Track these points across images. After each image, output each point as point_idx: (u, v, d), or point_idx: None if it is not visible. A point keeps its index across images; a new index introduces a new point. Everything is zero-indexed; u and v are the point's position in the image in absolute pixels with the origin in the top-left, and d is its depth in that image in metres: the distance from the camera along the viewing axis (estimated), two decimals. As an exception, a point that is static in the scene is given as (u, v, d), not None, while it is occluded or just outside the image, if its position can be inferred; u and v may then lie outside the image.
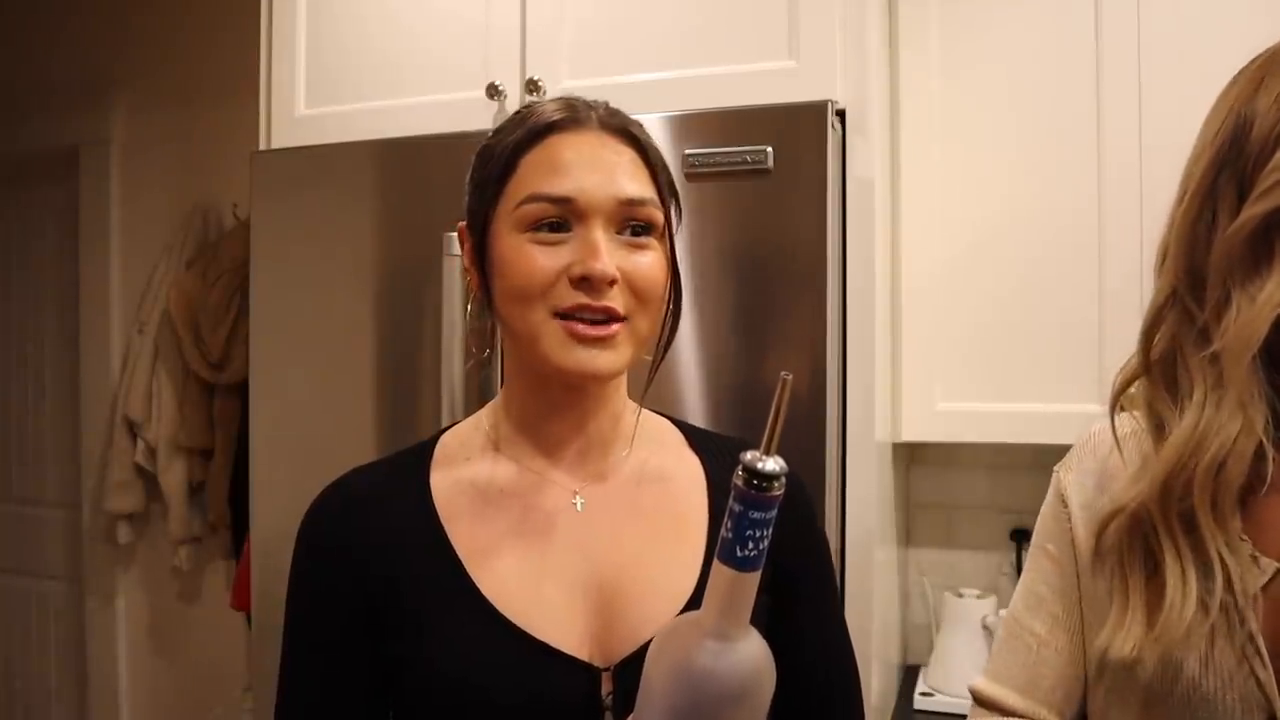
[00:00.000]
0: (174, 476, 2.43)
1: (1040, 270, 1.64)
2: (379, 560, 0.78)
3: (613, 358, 0.75)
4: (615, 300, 0.74)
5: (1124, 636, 0.74)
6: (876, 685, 1.50)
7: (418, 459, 0.83)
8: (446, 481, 0.81)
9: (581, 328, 0.73)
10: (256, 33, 1.78)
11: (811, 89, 1.41)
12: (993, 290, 1.68)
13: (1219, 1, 1.53)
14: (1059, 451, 0.90)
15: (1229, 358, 0.71)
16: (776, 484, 0.56)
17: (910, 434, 1.73)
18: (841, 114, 1.42)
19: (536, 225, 0.74)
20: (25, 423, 2.91)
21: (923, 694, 1.78)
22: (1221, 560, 0.71)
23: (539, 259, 0.74)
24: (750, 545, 0.57)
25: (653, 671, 0.62)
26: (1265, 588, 0.71)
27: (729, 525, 0.58)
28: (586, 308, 0.73)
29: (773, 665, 0.62)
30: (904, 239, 1.72)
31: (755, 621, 0.63)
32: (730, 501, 0.57)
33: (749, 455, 0.56)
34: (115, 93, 2.64)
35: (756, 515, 0.57)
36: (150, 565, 2.65)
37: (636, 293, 0.75)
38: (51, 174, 2.78)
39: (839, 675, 0.90)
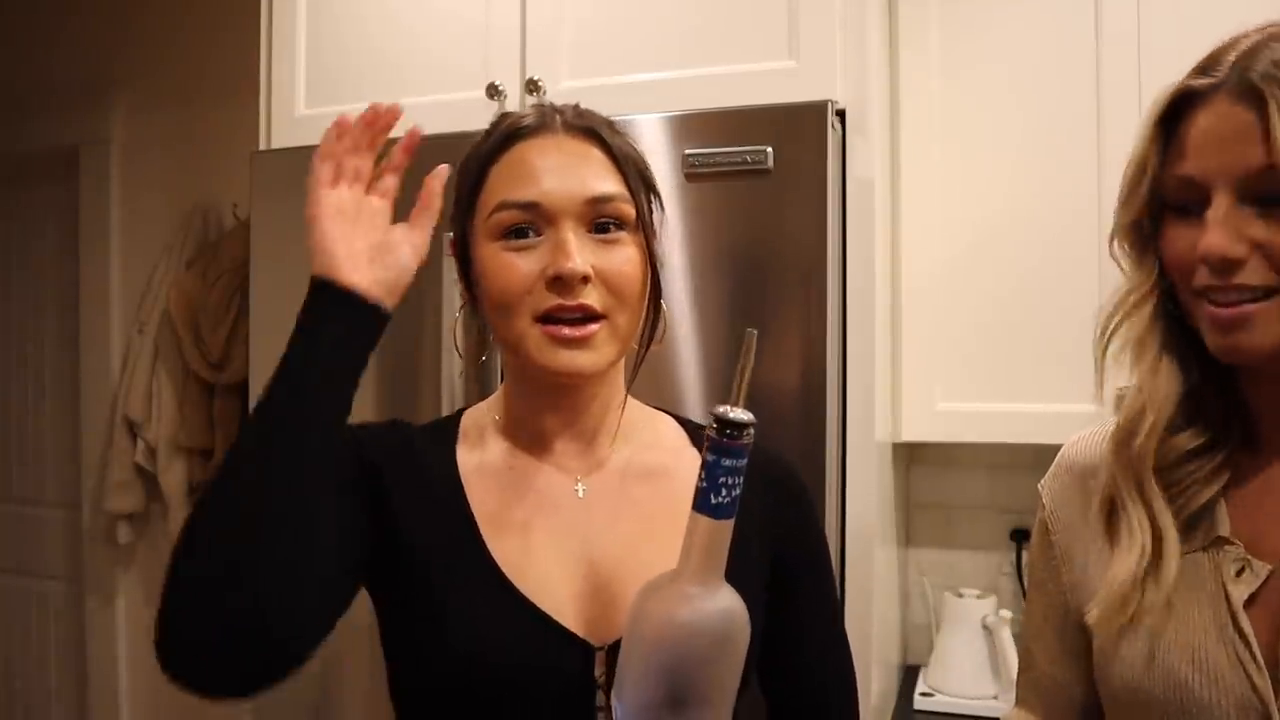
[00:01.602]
0: (174, 476, 2.43)
1: (1040, 270, 1.64)
2: (395, 484, 0.80)
3: (594, 357, 0.77)
4: (590, 297, 0.75)
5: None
6: (876, 685, 1.51)
7: (447, 427, 0.87)
8: (467, 455, 0.84)
9: (562, 330, 0.75)
10: (256, 33, 1.78)
11: (811, 89, 1.41)
12: (993, 290, 1.68)
13: (1219, 1, 1.53)
14: (1059, 452, 0.90)
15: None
16: (746, 433, 0.60)
17: (910, 434, 1.73)
18: (841, 114, 1.42)
19: (507, 232, 0.77)
20: (25, 423, 2.91)
21: (923, 694, 1.78)
22: (1141, 532, 0.75)
23: (514, 265, 0.76)
24: (724, 493, 0.60)
25: (635, 628, 0.64)
26: (1259, 592, 0.72)
27: (702, 475, 0.61)
28: (563, 308, 0.75)
29: (748, 618, 0.64)
30: (904, 239, 1.72)
31: (754, 617, 0.63)
32: (703, 452, 0.61)
33: (721, 407, 0.60)
34: (115, 93, 2.64)
35: (728, 463, 0.60)
36: (150, 565, 2.65)
37: (612, 289, 0.77)
38: (51, 174, 2.78)
39: (836, 674, 0.91)
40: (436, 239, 1.57)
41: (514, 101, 1.58)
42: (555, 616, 0.76)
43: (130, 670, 2.69)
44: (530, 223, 0.76)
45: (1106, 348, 0.78)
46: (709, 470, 0.60)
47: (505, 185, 0.78)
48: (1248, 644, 0.70)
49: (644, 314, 0.81)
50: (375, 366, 1.57)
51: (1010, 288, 1.66)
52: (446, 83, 1.63)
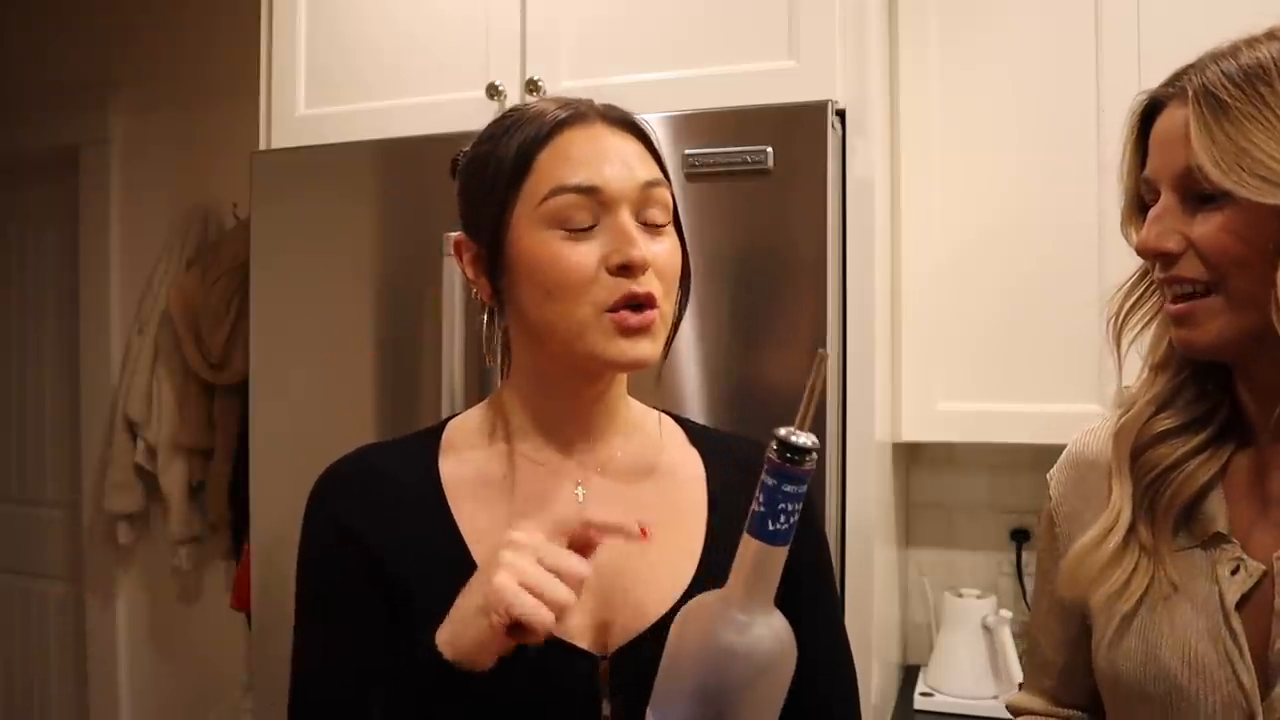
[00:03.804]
0: (174, 476, 2.43)
1: (1040, 270, 1.64)
2: (384, 541, 0.79)
3: (654, 346, 0.76)
4: (652, 285, 0.75)
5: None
6: (876, 685, 1.50)
7: (427, 444, 0.85)
8: (452, 468, 0.83)
9: (629, 318, 0.74)
10: (256, 33, 1.78)
11: (811, 89, 1.41)
12: (993, 290, 1.67)
13: (1219, 1, 1.53)
14: (1059, 452, 0.90)
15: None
16: (809, 458, 0.57)
17: (910, 434, 1.72)
18: (841, 114, 1.42)
19: (564, 220, 0.75)
20: (25, 423, 2.91)
21: (922, 694, 1.78)
22: (1113, 507, 0.78)
23: (574, 255, 0.74)
24: (782, 519, 0.58)
25: (678, 648, 0.62)
26: (1251, 592, 0.72)
27: (760, 499, 0.58)
28: (632, 296, 0.74)
29: (794, 643, 0.63)
30: (904, 239, 1.72)
31: None
32: (762, 475, 0.58)
33: (783, 430, 0.58)
34: (115, 93, 2.64)
35: (789, 489, 0.57)
36: (150, 565, 2.65)
37: (660, 278, 0.76)
38: (51, 174, 2.78)
39: (838, 677, 0.90)
40: (436, 238, 1.58)
41: (514, 102, 1.58)
42: (555, 631, 0.74)
43: (130, 670, 2.69)
44: (588, 209, 0.75)
45: (1120, 333, 0.80)
46: (768, 495, 0.58)
47: (560, 170, 0.75)
48: (1238, 643, 0.71)
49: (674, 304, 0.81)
50: (375, 366, 1.57)
51: (1010, 287, 1.66)
52: (446, 83, 1.63)
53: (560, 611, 0.63)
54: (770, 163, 1.35)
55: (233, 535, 2.40)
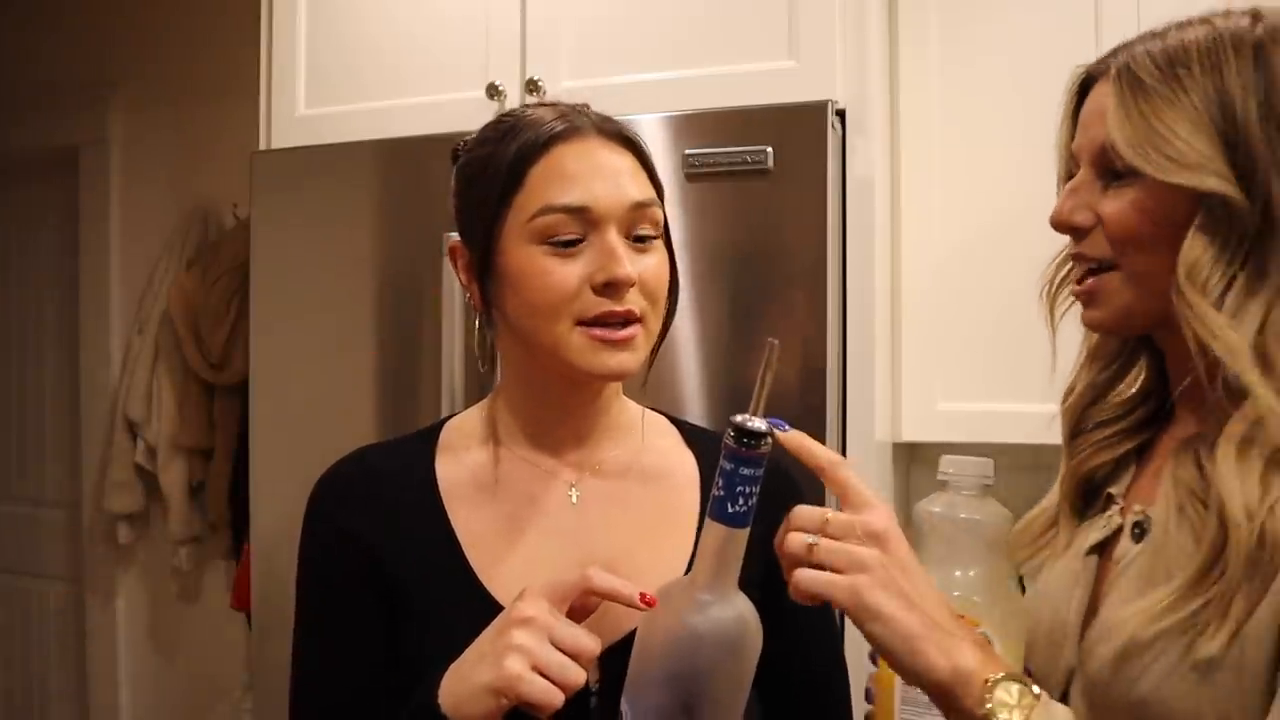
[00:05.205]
0: (174, 476, 2.43)
1: (1041, 269, 1.63)
2: (382, 542, 0.80)
3: (633, 358, 0.77)
4: (634, 303, 0.76)
5: None
6: (876, 685, 1.51)
7: (424, 444, 0.86)
8: (449, 468, 0.84)
9: (606, 333, 0.75)
10: (256, 32, 1.78)
11: (811, 89, 1.41)
12: (993, 289, 1.67)
13: (1218, 1, 1.53)
14: (1059, 452, 0.90)
15: None
16: (764, 442, 0.60)
17: (910, 434, 1.72)
18: (841, 114, 1.43)
19: (552, 237, 0.75)
20: (25, 423, 2.91)
21: (923, 694, 1.78)
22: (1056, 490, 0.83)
23: (559, 271, 0.75)
24: (740, 502, 0.60)
25: (648, 633, 0.64)
26: (1108, 540, 0.75)
27: (719, 484, 0.61)
28: (611, 314, 0.75)
29: (760, 625, 0.64)
30: (904, 239, 1.72)
31: None
32: (720, 460, 0.61)
33: (739, 416, 0.60)
34: (115, 92, 2.64)
35: (746, 472, 0.60)
36: (150, 565, 2.65)
37: (647, 294, 0.77)
38: (51, 174, 2.78)
39: (834, 680, 0.91)
40: (436, 238, 1.58)
41: (514, 102, 1.58)
42: None
43: (130, 670, 2.69)
44: (576, 227, 0.76)
45: (1054, 304, 0.84)
46: (726, 479, 0.60)
47: (550, 188, 0.76)
48: (1077, 580, 0.75)
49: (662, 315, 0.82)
50: (375, 366, 1.57)
51: (1011, 287, 1.64)
52: (446, 83, 1.63)
53: (571, 691, 0.64)
54: (770, 163, 1.35)
55: (233, 535, 2.40)
